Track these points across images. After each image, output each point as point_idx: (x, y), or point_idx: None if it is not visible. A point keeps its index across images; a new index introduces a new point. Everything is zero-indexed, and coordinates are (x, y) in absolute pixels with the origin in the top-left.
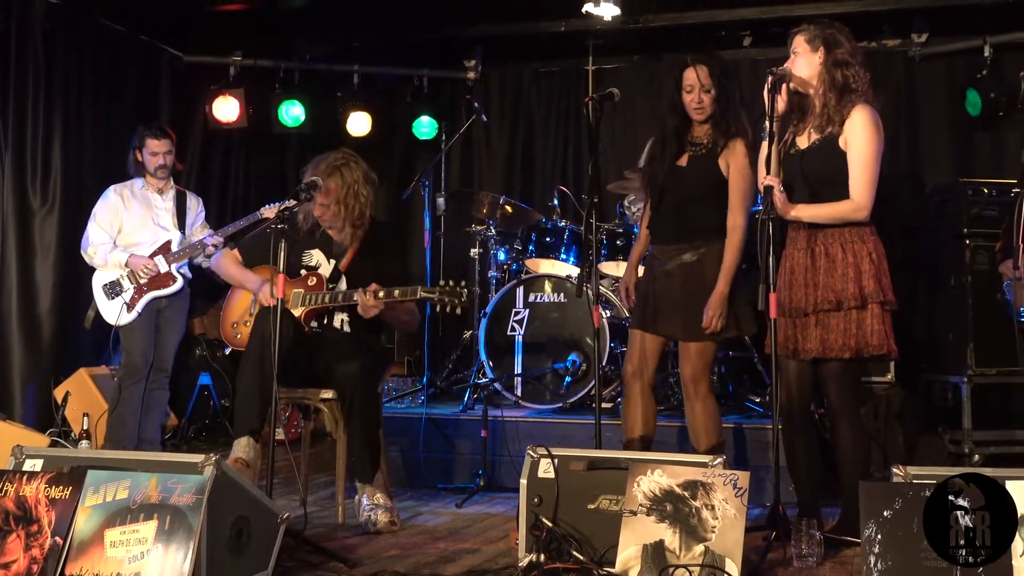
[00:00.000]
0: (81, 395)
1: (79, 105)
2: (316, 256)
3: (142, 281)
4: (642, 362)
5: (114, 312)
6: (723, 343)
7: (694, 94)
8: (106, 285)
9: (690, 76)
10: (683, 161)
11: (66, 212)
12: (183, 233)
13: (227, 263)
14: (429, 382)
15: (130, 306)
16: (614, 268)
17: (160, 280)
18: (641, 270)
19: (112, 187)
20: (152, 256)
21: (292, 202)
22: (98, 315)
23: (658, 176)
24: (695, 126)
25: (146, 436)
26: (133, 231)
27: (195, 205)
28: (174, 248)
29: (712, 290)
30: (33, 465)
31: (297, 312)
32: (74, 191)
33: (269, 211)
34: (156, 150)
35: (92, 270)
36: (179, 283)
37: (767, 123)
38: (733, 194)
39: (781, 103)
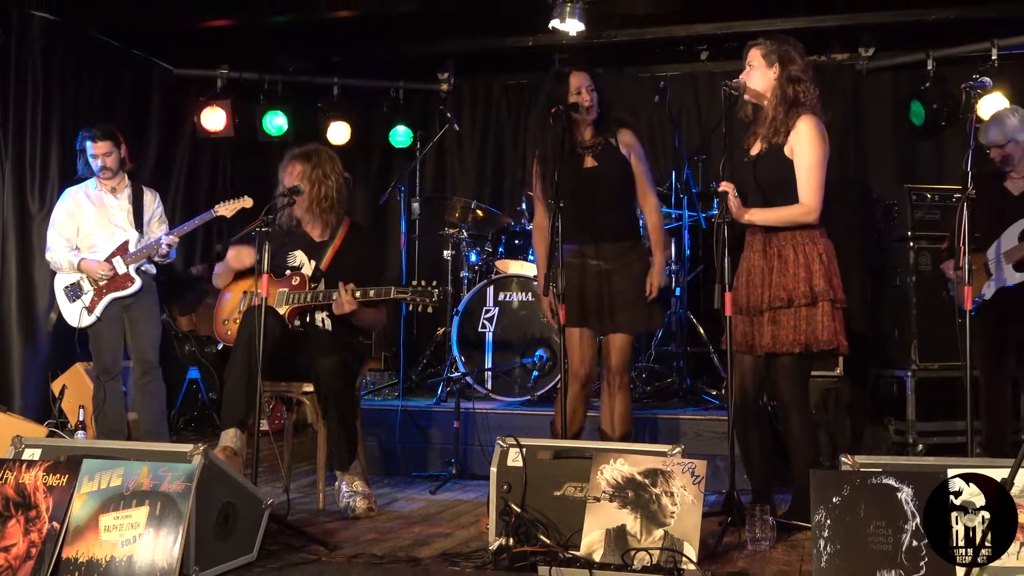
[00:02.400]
0: (77, 388)
1: (75, 115)
2: (299, 257)
3: (101, 284)
4: (591, 362)
5: (75, 314)
6: (685, 339)
7: (584, 95)
8: (67, 287)
9: (575, 82)
10: (589, 162)
11: None
12: (140, 232)
13: (226, 261)
14: (405, 376)
15: (90, 309)
16: None
17: (119, 281)
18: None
19: (68, 189)
20: (110, 257)
21: (249, 201)
22: (60, 318)
23: (568, 179)
24: (581, 131)
25: (151, 428)
26: (90, 232)
27: (151, 200)
28: (132, 249)
29: (642, 285)
30: (32, 454)
31: (282, 311)
32: None
33: (224, 208)
34: (95, 152)
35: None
36: (138, 283)
37: (723, 130)
38: (642, 178)
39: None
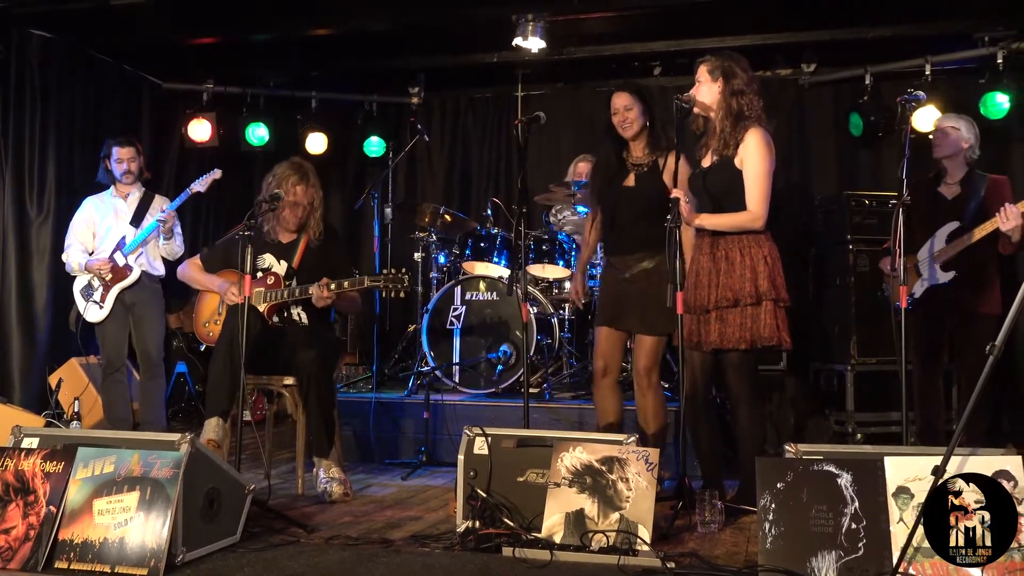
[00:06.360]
0: (72, 381)
1: (71, 126)
2: (268, 259)
3: (107, 279)
4: (610, 357)
5: (91, 311)
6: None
7: (619, 116)
8: (82, 288)
9: (614, 102)
10: (630, 181)
11: (59, 221)
12: (136, 228)
13: (192, 271)
14: (378, 370)
15: (100, 303)
16: (540, 270)
17: (119, 273)
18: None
19: (87, 198)
20: (111, 255)
21: (218, 173)
22: (79, 316)
23: (609, 195)
24: (632, 147)
25: (150, 419)
26: (101, 236)
27: (160, 205)
28: (128, 241)
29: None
30: (30, 443)
31: (261, 308)
32: (67, 202)
33: (198, 185)
34: (121, 157)
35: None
36: (136, 272)
37: (675, 140)
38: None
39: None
